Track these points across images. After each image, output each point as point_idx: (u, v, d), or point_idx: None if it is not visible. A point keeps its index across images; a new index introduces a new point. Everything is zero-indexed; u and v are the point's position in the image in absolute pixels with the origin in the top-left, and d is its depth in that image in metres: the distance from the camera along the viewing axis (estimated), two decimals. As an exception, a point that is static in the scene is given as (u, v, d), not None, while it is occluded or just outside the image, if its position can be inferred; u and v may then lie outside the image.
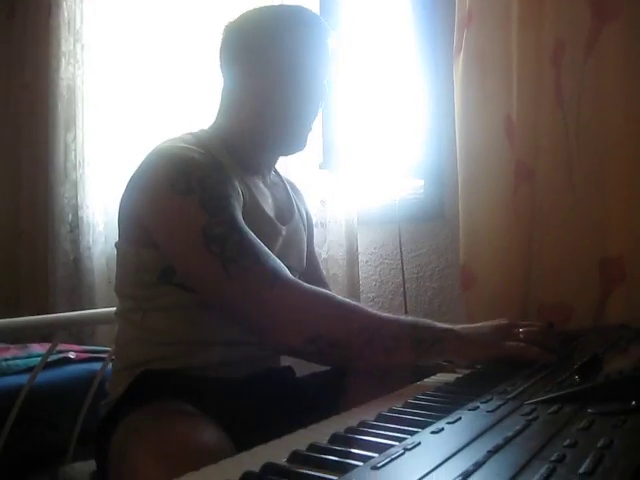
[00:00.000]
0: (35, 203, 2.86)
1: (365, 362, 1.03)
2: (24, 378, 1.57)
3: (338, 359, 1.07)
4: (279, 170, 1.45)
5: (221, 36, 1.27)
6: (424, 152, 2.10)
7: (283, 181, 1.43)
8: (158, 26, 2.56)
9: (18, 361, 1.84)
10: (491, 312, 1.67)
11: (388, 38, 2.27)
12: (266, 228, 1.20)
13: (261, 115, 1.23)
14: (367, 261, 2.18)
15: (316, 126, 2.10)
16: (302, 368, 1.39)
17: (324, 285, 1.47)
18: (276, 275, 1.03)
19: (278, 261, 1.07)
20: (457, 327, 1.07)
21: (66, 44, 2.80)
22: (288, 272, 1.06)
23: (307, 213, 1.48)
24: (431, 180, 2.08)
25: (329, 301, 1.06)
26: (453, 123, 1.78)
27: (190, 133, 1.25)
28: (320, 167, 2.14)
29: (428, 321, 1.07)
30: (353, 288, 2.05)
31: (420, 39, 2.09)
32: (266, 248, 1.07)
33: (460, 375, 1.02)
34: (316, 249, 1.63)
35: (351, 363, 1.06)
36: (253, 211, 1.18)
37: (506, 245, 1.65)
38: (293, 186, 1.47)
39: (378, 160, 2.20)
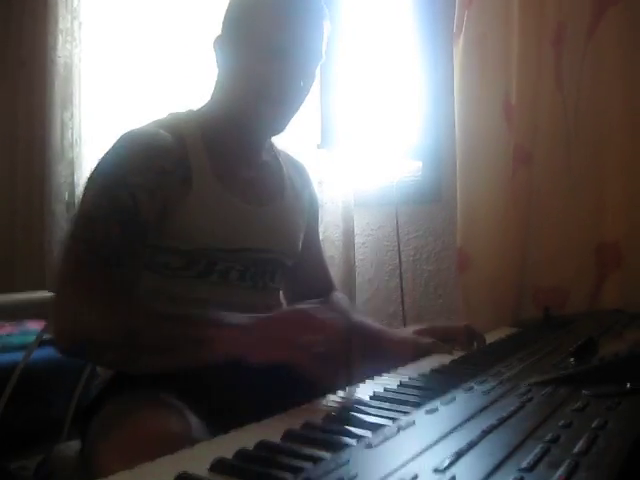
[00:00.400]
0: (31, 181, 2.85)
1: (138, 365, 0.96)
2: (19, 355, 1.57)
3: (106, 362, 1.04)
4: (284, 151, 1.41)
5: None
6: (422, 134, 2.09)
7: (280, 162, 1.38)
8: (156, 4, 2.53)
9: (13, 338, 1.85)
10: (487, 295, 1.67)
11: (388, 19, 2.25)
12: (218, 214, 1.17)
13: (244, 90, 1.20)
14: (364, 243, 2.18)
15: (315, 106, 2.12)
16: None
17: (323, 269, 1.44)
18: (78, 278, 0.98)
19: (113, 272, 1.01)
20: (245, 322, 0.93)
21: (63, 22, 2.78)
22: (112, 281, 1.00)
23: (311, 195, 1.43)
24: (429, 162, 2.08)
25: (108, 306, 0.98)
26: (452, 105, 1.77)
27: (172, 113, 1.23)
28: (318, 147, 2.13)
29: (212, 318, 0.96)
30: (349, 270, 2.05)
31: (420, 20, 2.08)
32: (110, 251, 1.01)
33: (456, 357, 1.02)
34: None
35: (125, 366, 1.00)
36: (199, 198, 1.15)
37: (503, 228, 1.65)
38: (297, 167, 1.42)
39: (376, 141, 2.19)
